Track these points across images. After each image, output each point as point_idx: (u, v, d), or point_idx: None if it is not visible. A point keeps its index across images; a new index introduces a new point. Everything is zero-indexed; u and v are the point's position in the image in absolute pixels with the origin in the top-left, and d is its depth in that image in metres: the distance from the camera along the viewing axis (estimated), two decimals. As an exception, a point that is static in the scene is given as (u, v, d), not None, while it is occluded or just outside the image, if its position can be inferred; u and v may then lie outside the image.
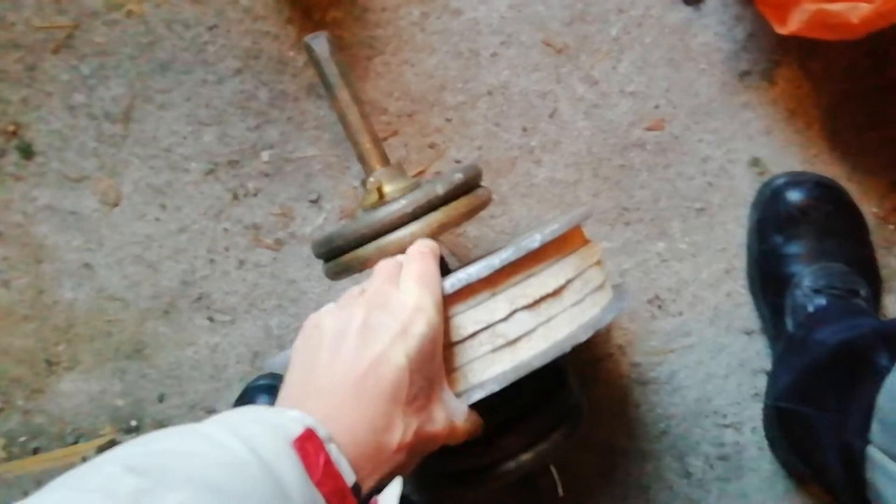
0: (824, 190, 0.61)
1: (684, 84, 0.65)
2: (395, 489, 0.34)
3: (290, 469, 0.30)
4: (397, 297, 0.39)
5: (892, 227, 0.65)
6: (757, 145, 0.65)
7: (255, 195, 0.66)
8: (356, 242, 0.47)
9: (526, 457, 0.47)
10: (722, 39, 0.65)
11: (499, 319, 0.42)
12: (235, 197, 0.66)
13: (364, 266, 0.47)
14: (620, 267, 0.66)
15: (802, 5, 0.49)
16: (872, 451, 0.41)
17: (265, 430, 0.31)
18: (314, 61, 0.50)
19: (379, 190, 0.48)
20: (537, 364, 0.42)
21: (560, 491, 0.53)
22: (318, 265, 0.67)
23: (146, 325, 0.67)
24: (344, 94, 0.49)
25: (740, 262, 0.66)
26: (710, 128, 0.66)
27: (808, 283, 0.57)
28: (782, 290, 0.60)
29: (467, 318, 0.42)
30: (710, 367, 0.67)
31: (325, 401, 0.36)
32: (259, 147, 0.66)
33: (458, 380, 0.42)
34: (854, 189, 0.64)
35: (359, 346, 0.37)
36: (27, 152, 0.65)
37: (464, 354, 0.42)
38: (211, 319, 0.67)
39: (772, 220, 0.61)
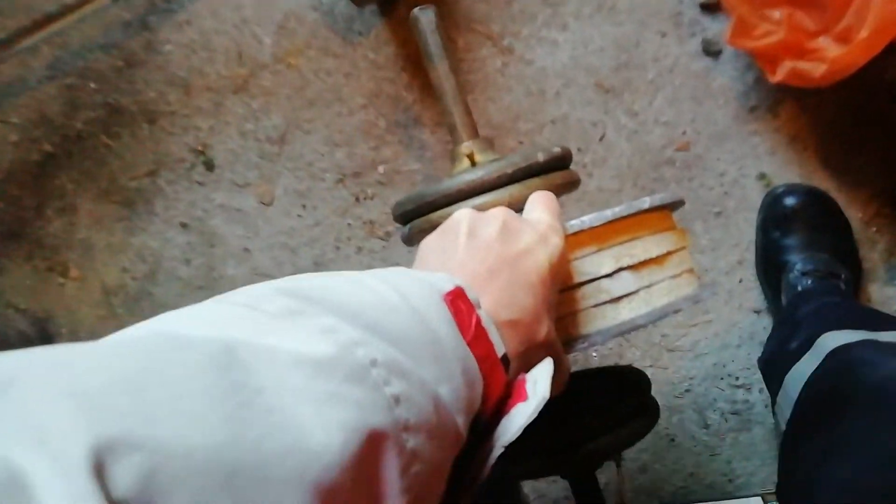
0: (815, 196, 0.78)
1: (706, 115, 0.84)
2: (546, 367, 0.31)
3: (442, 323, 0.28)
4: (532, 216, 0.39)
5: (873, 229, 0.82)
6: (763, 163, 0.83)
7: (372, 199, 0.88)
8: (452, 199, 0.46)
9: (606, 439, 0.49)
10: (735, 82, 0.83)
11: (604, 274, 0.42)
12: (357, 200, 0.88)
13: None
14: (653, 258, 0.85)
15: (784, 62, 0.67)
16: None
17: (414, 282, 0.29)
18: (419, 32, 0.52)
19: (471, 157, 0.49)
20: (641, 323, 0.42)
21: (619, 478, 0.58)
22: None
23: (286, 296, 0.90)
24: (443, 65, 0.52)
25: (750, 255, 0.83)
26: (726, 149, 0.84)
27: (799, 267, 0.74)
28: (779, 275, 0.77)
29: (573, 269, 0.42)
30: (725, 338, 0.84)
31: (470, 276, 0.32)
32: (377, 162, 0.88)
33: (559, 329, 0.40)
34: (842, 198, 0.81)
35: (501, 240, 0.35)
36: (210, 165, 0.89)
37: (566, 305, 0.41)
38: (334, 293, 0.89)
39: (772, 219, 0.78)
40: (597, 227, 0.42)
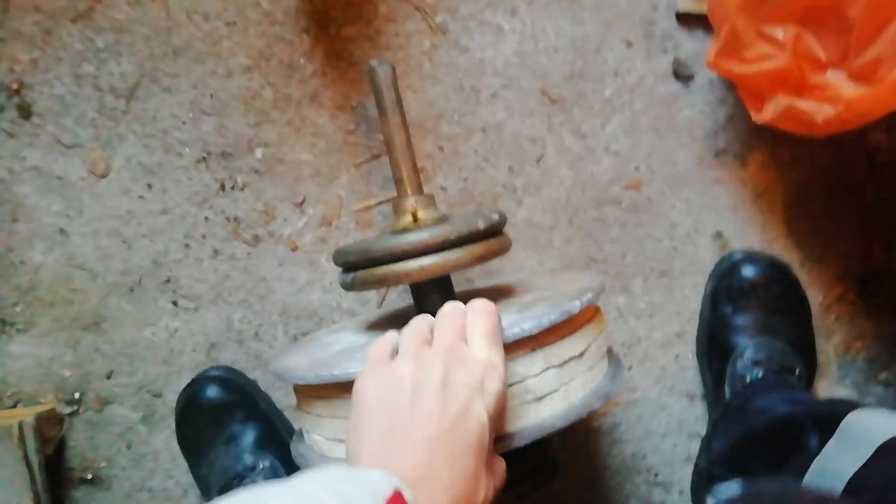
0: (777, 270, 0.65)
1: (665, 152, 0.70)
2: None
3: None
4: (471, 352, 0.39)
5: (833, 316, 0.69)
6: (722, 220, 0.70)
7: (242, 189, 0.68)
8: (396, 257, 0.48)
9: (504, 497, 0.49)
10: (704, 117, 0.70)
11: (532, 375, 0.44)
12: (222, 188, 0.68)
13: (400, 281, 0.48)
14: (580, 314, 0.69)
15: (777, 98, 0.53)
16: None
17: (357, 487, 0.31)
18: (375, 84, 0.54)
19: (414, 214, 0.51)
20: (559, 426, 0.44)
21: None
22: (290, 266, 0.69)
23: (109, 299, 0.68)
24: (396, 119, 0.54)
25: (692, 328, 0.69)
26: (682, 196, 0.70)
27: (750, 354, 0.61)
28: (725, 359, 0.63)
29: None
30: (650, 424, 0.69)
31: (414, 456, 0.35)
32: (255, 144, 0.68)
33: None
34: (805, 275, 0.69)
35: (442, 400, 0.36)
36: (26, 112, 0.66)
37: None
38: (175, 304, 0.68)
39: (725, 291, 0.64)
40: (534, 334, 0.44)
